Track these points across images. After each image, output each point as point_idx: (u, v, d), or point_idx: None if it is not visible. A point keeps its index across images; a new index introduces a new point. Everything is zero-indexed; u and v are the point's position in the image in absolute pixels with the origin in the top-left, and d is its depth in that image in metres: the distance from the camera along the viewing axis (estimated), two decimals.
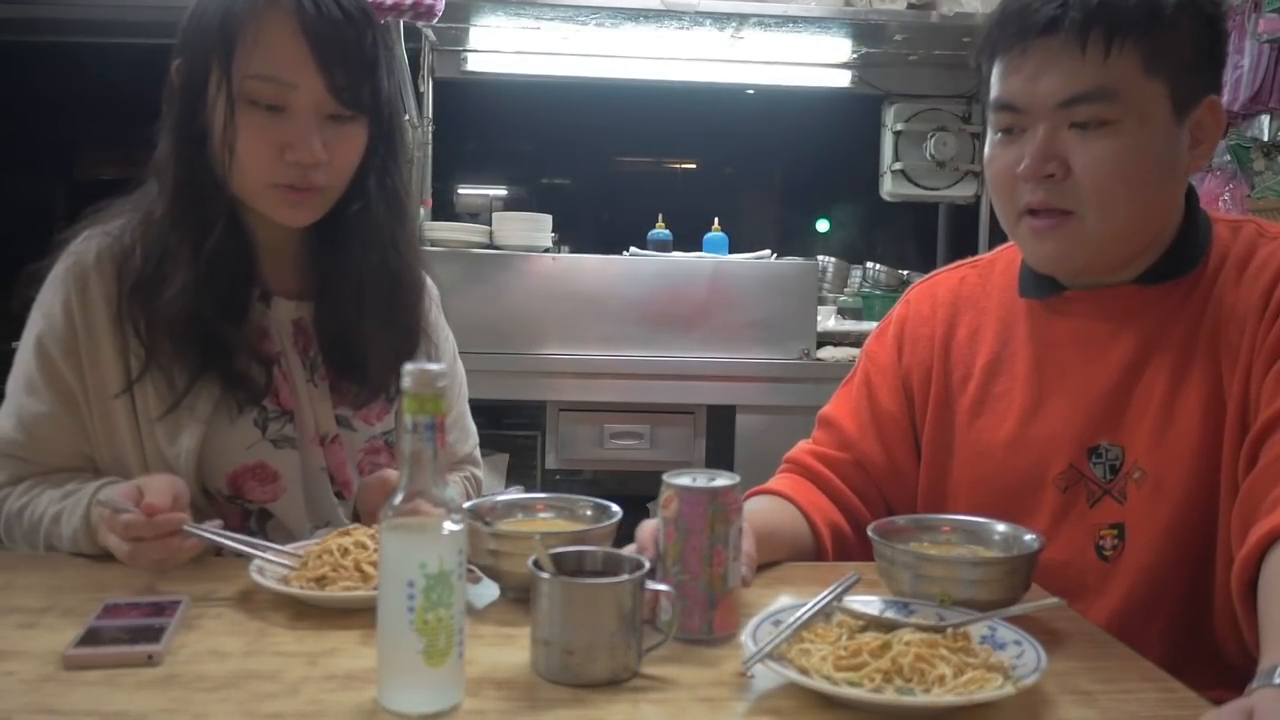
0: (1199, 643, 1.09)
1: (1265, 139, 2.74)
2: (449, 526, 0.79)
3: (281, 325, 1.27)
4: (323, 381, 1.28)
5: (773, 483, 1.29)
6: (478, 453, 1.49)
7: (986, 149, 1.17)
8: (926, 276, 1.39)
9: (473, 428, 1.49)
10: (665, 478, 0.96)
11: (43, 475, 1.21)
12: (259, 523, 1.24)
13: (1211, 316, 1.10)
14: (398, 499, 0.79)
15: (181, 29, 1.18)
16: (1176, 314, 1.12)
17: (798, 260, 3.19)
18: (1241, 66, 2.70)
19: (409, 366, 0.78)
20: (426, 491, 0.79)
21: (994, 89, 1.13)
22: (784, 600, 1.03)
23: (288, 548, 1.09)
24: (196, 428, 1.19)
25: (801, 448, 1.34)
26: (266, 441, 1.23)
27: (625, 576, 0.86)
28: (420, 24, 2.96)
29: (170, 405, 1.18)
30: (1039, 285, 1.20)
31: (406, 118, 2.76)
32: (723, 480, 0.96)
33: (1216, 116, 1.11)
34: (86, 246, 1.21)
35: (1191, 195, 1.16)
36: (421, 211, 3.19)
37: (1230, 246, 1.13)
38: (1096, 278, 1.16)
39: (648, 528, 0.99)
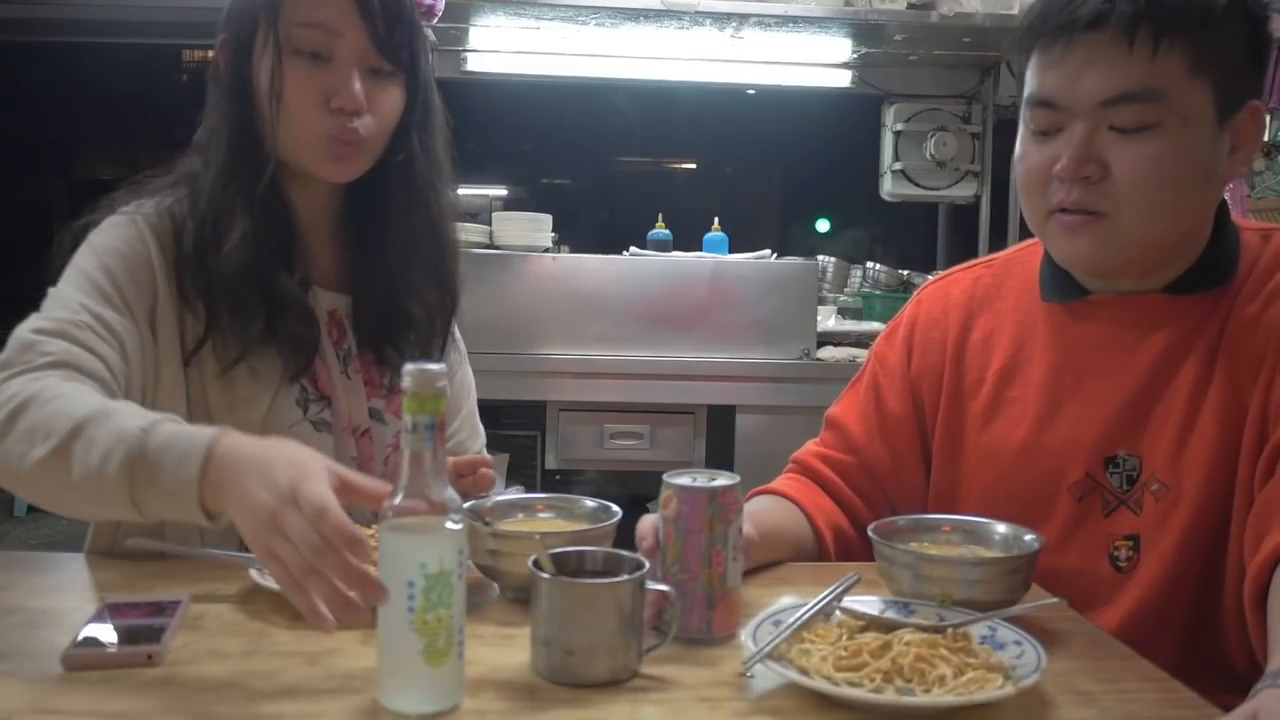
0: (1207, 654, 1.08)
1: (1265, 139, 2.74)
2: (449, 526, 0.79)
3: (319, 315, 1.28)
4: (356, 374, 1.30)
5: (777, 483, 1.29)
6: (485, 454, 1.50)
7: (1019, 144, 1.13)
8: (939, 276, 1.36)
9: (481, 427, 1.50)
10: (665, 478, 0.96)
11: (86, 362, 1.05)
12: None
13: (1234, 326, 1.08)
14: (398, 499, 0.79)
15: (229, 2, 1.22)
16: (1201, 324, 1.10)
17: (798, 260, 3.19)
18: None
19: (408, 366, 0.79)
20: (426, 491, 0.79)
21: (1030, 84, 1.08)
22: (784, 600, 1.02)
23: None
24: (264, 396, 1.19)
25: (808, 449, 1.33)
26: (307, 422, 1.23)
27: (625, 576, 0.86)
28: (420, 24, 2.96)
29: (232, 361, 1.17)
30: (1062, 289, 1.18)
31: None
32: (722, 480, 0.96)
33: (1257, 122, 1.07)
34: (140, 210, 1.21)
35: (1222, 205, 1.14)
36: None
37: (1259, 256, 1.11)
38: (1125, 282, 1.14)
39: (648, 521, 0.99)
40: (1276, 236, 1.13)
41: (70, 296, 1.11)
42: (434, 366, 0.79)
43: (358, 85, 1.18)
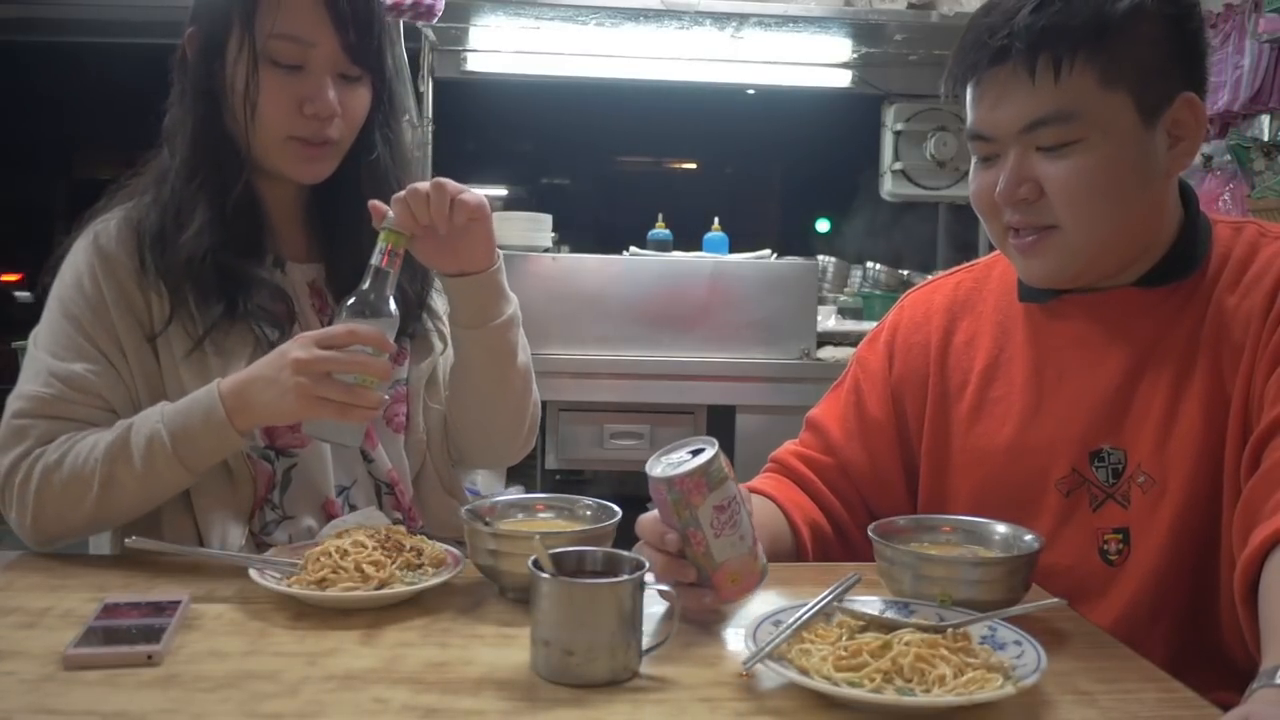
0: (1203, 645, 1.09)
1: (1265, 139, 2.74)
2: (389, 325, 1.12)
3: (298, 287, 1.31)
4: None
5: (755, 481, 1.29)
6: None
7: (971, 172, 1.18)
8: (922, 283, 1.39)
9: None
10: (649, 462, 0.97)
11: (73, 432, 1.17)
12: (282, 491, 1.26)
13: (1214, 319, 1.10)
14: (353, 299, 1.11)
15: None
16: (1177, 317, 1.12)
17: (798, 260, 3.19)
18: (1241, 66, 2.70)
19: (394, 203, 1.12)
20: (382, 299, 1.11)
21: (968, 118, 1.14)
22: (784, 600, 1.03)
23: (288, 547, 1.09)
24: (229, 365, 1.21)
25: (786, 448, 1.34)
26: None
27: (625, 576, 0.86)
28: (420, 24, 2.97)
29: (196, 341, 1.21)
30: (1038, 289, 1.20)
31: (407, 117, 2.77)
32: (686, 465, 0.94)
33: (1195, 113, 1.09)
34: (105, 222, 1.26)
35: (1191, 197, 1.16)
36: None
37: (1231, 248, 1.12)
38: (1095, 284, 1.15)
39: (646, 521, 0.99)
40: (1248, 229, 1.15)
41: (42, 365, 1.19)
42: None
43: (332, 93, 1.22)
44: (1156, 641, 1.06)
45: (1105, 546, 1.13)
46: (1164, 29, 1.06)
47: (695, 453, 0.96)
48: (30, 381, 1.18)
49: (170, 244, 1.21)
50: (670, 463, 0.96)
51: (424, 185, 1.14)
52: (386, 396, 1.14)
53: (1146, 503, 1.11)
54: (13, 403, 1.19)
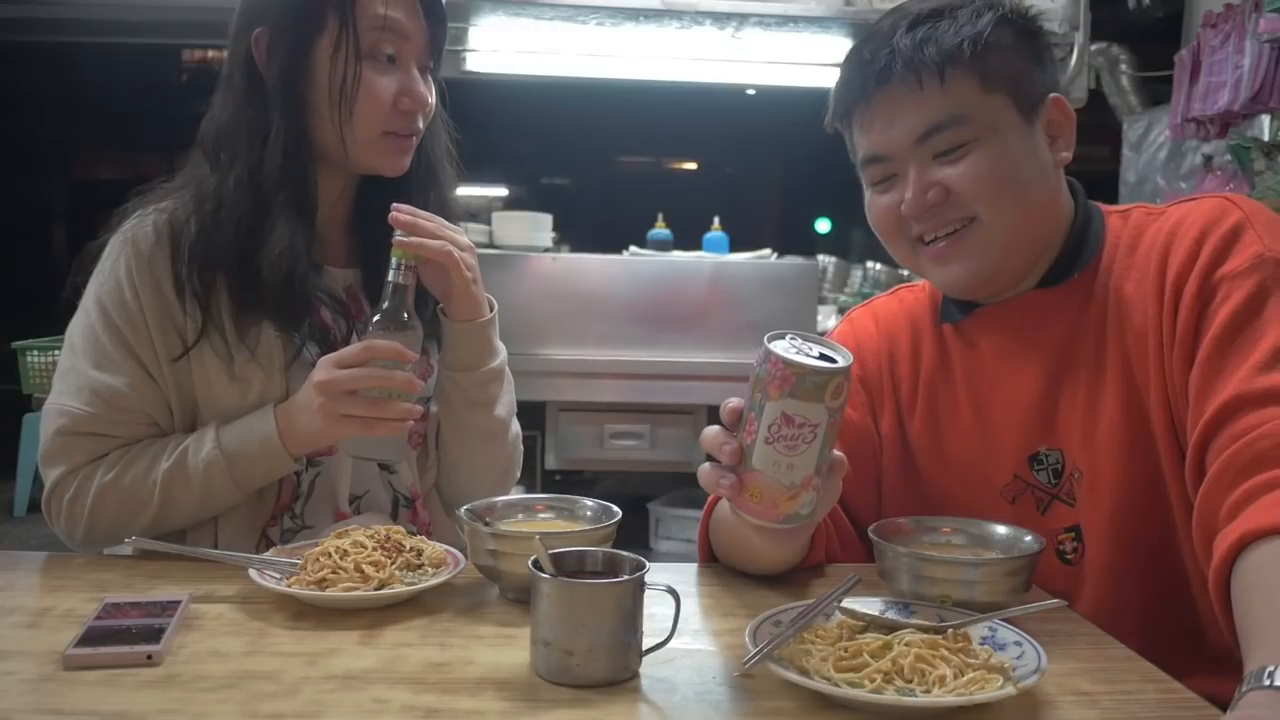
0: (1177, 633, 1.09)
1: (1265, 139, 2.74)
2: (410, 337, 1.14)
3: (335, 293, 1.30)
4: None
5: None
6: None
7: (866, 200, 1.21)
8: (864, 301, 1.41)
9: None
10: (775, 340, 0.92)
11: (122, 448, 1.20)
12: (305, 502, 1.26)
13: (1114, 308, 1.13)
14: (377, 317, 1.13)
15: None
16: (1082, 313, 1.14)
17: (798, 260, 3.20)
18: (1241, 66, 2.70)
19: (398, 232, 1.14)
20: (401, 311, 1.14)
21: (858, 148, 1.18)
22: (784, 601, 1.03)
23: (287, 548, 1.09)
24: (257, 373, 1.21)
25: None
26: None
27: (625, 576, 0.86)
28: None
29: (250, 354, 1.20)
30: (954, 309, 1.23)
31: None
32: (796, 355, 0.89)
33: (1064, 112, 1.15)
34: (141, 223, 1.23)
35: (1079, 193, 1.19)
36: None
37: (1121, 235, 1.16)
38: (1003, 291, 1.18)
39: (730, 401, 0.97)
40: (1135, 213, 1.18)
41: (83, 377, 1.19)
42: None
43: (422, 86, 1.24)
44: (1127, 634, 1.05)
45: (1061, 547, 1.15)
46: (1021, 39, 1.13)
47: (825, 357, 0.90)
48: (71, 395, 1.19)
49: (217, 258, 1.19)
50: (796, 346, 0.90)
51: (425, 222, 1.18)
52: (420, 407, 1.15)
53: (1088, 497, 1.13)
54: (55, 417, 1.19)
